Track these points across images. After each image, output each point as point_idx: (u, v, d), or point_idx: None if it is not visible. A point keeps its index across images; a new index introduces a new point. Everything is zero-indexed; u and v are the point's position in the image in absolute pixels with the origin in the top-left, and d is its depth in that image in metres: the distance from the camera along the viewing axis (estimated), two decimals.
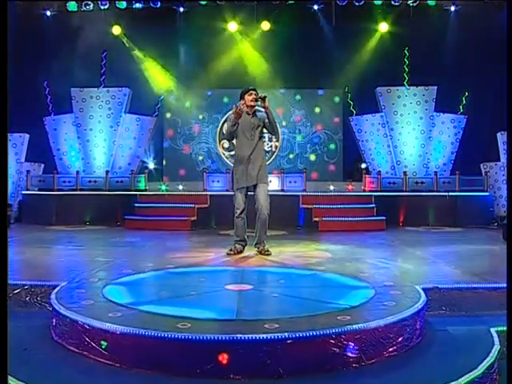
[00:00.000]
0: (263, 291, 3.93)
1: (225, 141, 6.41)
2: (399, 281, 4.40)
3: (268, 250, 6.12)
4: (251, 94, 6.16)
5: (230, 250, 6.18)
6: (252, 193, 6.21)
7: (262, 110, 6.20)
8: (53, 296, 3.61)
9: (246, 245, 6.30)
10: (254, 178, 6.09)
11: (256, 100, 6.12)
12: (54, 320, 3.33)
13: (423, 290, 4.02)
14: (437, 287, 4.24)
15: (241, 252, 6.21)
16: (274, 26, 13.18)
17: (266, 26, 13.14)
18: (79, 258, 5.79)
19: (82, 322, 3.01)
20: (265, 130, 6.36)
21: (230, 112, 6.48)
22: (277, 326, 2.87)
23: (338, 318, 3.07)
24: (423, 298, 3.69)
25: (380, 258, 5.93)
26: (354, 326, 2.91)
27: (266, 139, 12.97)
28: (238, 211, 6.22)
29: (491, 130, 12.34)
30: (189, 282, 4.29)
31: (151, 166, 13.09)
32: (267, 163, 6.60)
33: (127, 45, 13.26)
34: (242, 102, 6.20)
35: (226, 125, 6.42)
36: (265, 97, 6.06)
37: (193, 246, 7.34)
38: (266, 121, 6.21)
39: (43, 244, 7.22)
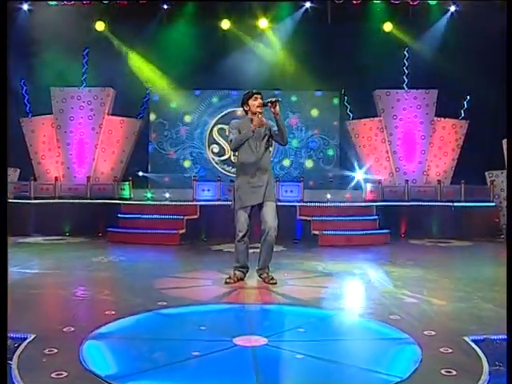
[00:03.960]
0: (282, 348, 3.14)
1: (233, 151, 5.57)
2: (440, 328, 3.66)
3: (273, 278, 5.34)
4: (256, 98, 5.32)
5: (229, 277, 5.38)
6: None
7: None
8: (14, 362, 2.79)
9: (247, 272, 5.51)
10: (261, 195, 5.27)
11: (264, 105, 5.27)
12: None
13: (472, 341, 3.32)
14: (488, 338, 3.51)
15: (241, 279, 5.43)
16: (269, 24, 12.41)
17: (262, 24, 12.35)
18: (54, 290, 4.91)
19: None
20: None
21: (235, 121, 5.64)
22: None
23: None
24: (484, 360, 2.97)
25: (401, 287, 5.20)
26: None
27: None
28: (241, 234, 5.37)
29: (495, 136, 11.74)
30: (187, 333, 3.48)
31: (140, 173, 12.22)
32: None
33: (112, 41, 12.37)
34: (246, 108, 5.42)
35: (231, 135, 5.52)
36: (276, 100, 5.20)
37: (185, 268, 6.49)
38: (274, 129, 5.38)
39: (11, 267, 6.25)
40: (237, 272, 5.43)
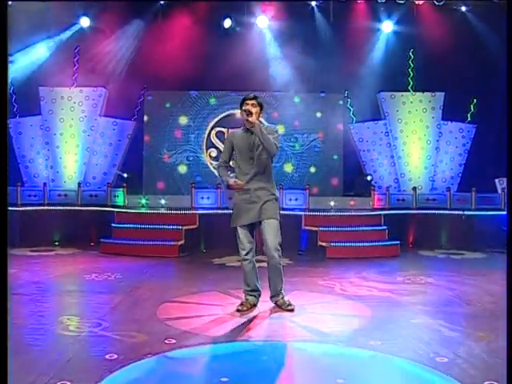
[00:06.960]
0: None
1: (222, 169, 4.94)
2: (500, 375, 3.11)
3: (290, 305, 4.78)
4: (247, 104, 4.70)
5: (241, 304, 4.80)
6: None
7: (265, 123, 4.86)
8: None
9: (259, 295, 4.95)
10: (255, 213, 4.70)
11: (247, 115, 4.63)
12: None
13: None
14: None
15: (254, 305, 4.87)
16: (270, 23, 11.84)
17: (264, 23, 11.77)
18: (42, 322, 4.25)
19: None
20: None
21: (231, 131, 5.08)
22: None
23: None
24: None
25: (435, 315, 4.66)
26: None
27: None
28: (244, 252, 4.84)
29: (504, 141, 11.26)
30: None
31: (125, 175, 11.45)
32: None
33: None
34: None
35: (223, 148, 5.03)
36: (245, 111, 4.65)
37: (189, 289, 5.80)
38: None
39: None
40: (249, 297, 4.87)
